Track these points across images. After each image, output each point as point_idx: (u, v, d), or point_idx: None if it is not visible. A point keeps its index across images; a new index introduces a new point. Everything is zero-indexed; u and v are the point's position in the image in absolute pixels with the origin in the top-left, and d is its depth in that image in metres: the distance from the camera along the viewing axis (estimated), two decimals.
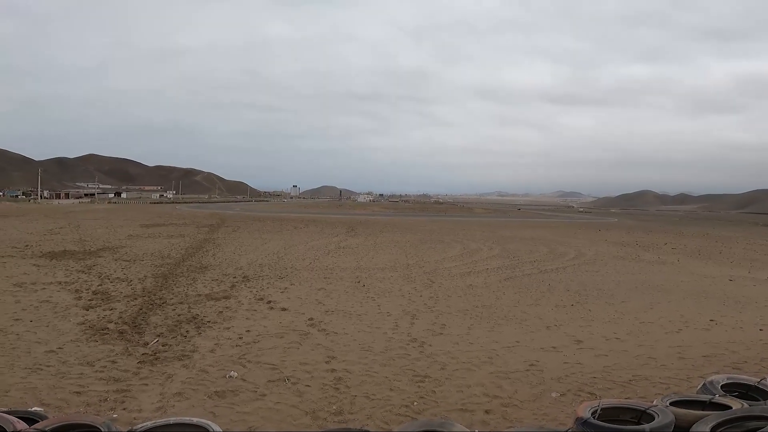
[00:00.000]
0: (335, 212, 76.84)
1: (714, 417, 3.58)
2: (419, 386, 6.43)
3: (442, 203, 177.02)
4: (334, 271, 16.47)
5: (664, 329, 9.81)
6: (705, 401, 4.02)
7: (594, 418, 3.55)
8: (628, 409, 3.89)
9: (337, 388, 6.27)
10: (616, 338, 9.03)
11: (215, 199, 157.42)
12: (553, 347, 8.34)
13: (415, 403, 5.90)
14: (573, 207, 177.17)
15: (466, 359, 7.57)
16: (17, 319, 8.92)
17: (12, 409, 3.52)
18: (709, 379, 4.46)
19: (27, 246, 20.76)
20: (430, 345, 8.28)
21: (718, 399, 4.00)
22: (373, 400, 5.97)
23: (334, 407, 5.70)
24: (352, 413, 5.58)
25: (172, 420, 3.40)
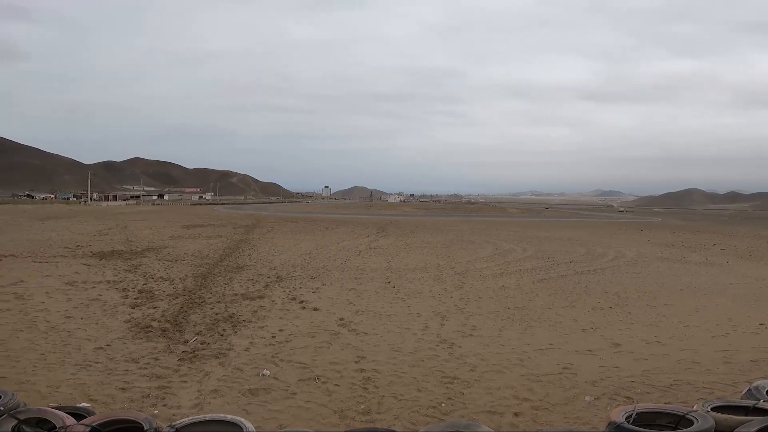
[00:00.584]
0: (366, 213, 77.40)
1: (757, 423, 3.41)
2: (448, 387, 6.44)
3: (473, 203, 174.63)
4: (364, 271, 16.64)
5: (710, 333, 9.38)
6: (748, 406, 3.83)
7: (628, 422, 3.45)
8: (666, 414, 3.75)
9: (366, 388, 6.36)
10: (658, 342, 8.74)
11: (250, 200, 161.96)
12: (589, 350, 8.16)
13: (443, 405, 5.92)
14: (613, 206, 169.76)
15: (497, 361, 7.52)
16: (69, 317, 9.48)
17: (61, 405, 3.74)
18: (755, 384, 4.23)
19: (78, 246, 22.11)
20: (460, 346, 8.27)
21: (762, 404, 3.81)
22: (401, 400, 6.02)
23: (362, 407, 5.79)
24: (379, 413, 5.65)
25: (208, 417, 3.54)
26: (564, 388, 6.47)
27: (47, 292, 11.69)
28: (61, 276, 14.14)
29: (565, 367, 7.25)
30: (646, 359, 7.72)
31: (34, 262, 16.91)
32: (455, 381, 6.66)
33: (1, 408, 3.19)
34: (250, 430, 3.34)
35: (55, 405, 3.63)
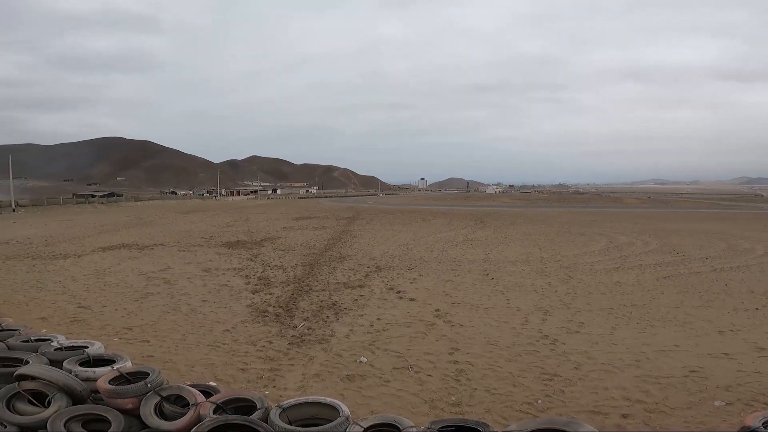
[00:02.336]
0: (463, 204, 76.10)
1: None
2: (546, 384, 6.25)
3: (582, 193, 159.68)
4: (461, 263, 16.52)
5: None
6: None
7: (765, 428, 3.09)
8: None
9: (458, 380, 6.42)
10: None
11: (350, 194, 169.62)
12: (725, 354, 7.34)
13: (540, 401, 5.77)
14: (762, 195, 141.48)
15: (607, 360, 7.10)
16: (204, 300, 11.01)
17: (194, 383, 4.43)
18: None
19: (211, 237, 25.47)
20: (564, 343, 7.92)
21: None
22: (493, 394, 5.99)
23: (452, 398, 5.87)
24: (470, 405, 5.69)
25: (311, 399, 3.97)
26: (688, 392, 5.94)
27: (188, 278, 13.67)
28: (199, 263, 16.38)
29: (693, 371, 6.62)
30: None
31: (179, 250, 19.87)
32: (555, 378, 6.44)
33: (149, 385, 3.93)
34: (345, 413, 3.67)
35: (190, 383, 4.34)
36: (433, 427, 3.53)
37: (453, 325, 8.99)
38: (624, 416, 5.37)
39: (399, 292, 11.91)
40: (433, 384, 6.29)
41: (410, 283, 13.07)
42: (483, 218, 40.06)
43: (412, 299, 11.12)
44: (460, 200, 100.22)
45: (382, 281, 13.31)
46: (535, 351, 7.53)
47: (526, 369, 6.77)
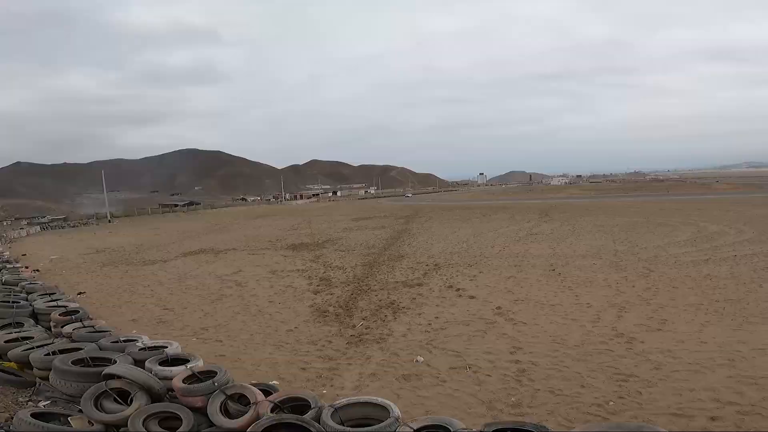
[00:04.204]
0: (525, 198, 73.16)
1: None
2: (620, 385, 5.85)
3: (662, 180, 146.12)
4: (525, 258, 15.90)
5: None
6: None
7: None
8: None
9: (519, 380, 6.18)
10: None
11: (409, 192, 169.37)
12: None
13: (611, 403, 5.41)
14: None
15: (694, 360, 6.54)
16: (271, 302, 11.55)
17: (257, 382, 4.66)
18: None
19: (277, 240, 26.75)
20: (642, 342, 7.38)
21: None
22: (558, 395, 5.69)
23: (512, 399, 5.66)
24: (531, 407, 5.45)
25: (363, 399, 4.00)
26: None
27: (257, 280, 14.45)
28: (267, 266, 17.26)
29: None
30: None
31: (249, 254, 21.11)
32: (631, 379, 6.01)
33: (216, 384, 4.17)
34: (396, 413, 3.65)
35: (253, 382, 4.55)
36: (486, 429, 3.40)
37: (515, 323, 8.68)
38: (712, 419, 4.96)
39: (458, 289, 11.71)
40: (491, 384, 6.11)
41: (470, 280, 12.81)
42: (548, 211, 38.28)
43: (471, 297, 10.89)
44: (522, 194, 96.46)
45: (441, 279, 13.17)
46: (608, 350, 7.07)
47: (596, 369, 6.37)
